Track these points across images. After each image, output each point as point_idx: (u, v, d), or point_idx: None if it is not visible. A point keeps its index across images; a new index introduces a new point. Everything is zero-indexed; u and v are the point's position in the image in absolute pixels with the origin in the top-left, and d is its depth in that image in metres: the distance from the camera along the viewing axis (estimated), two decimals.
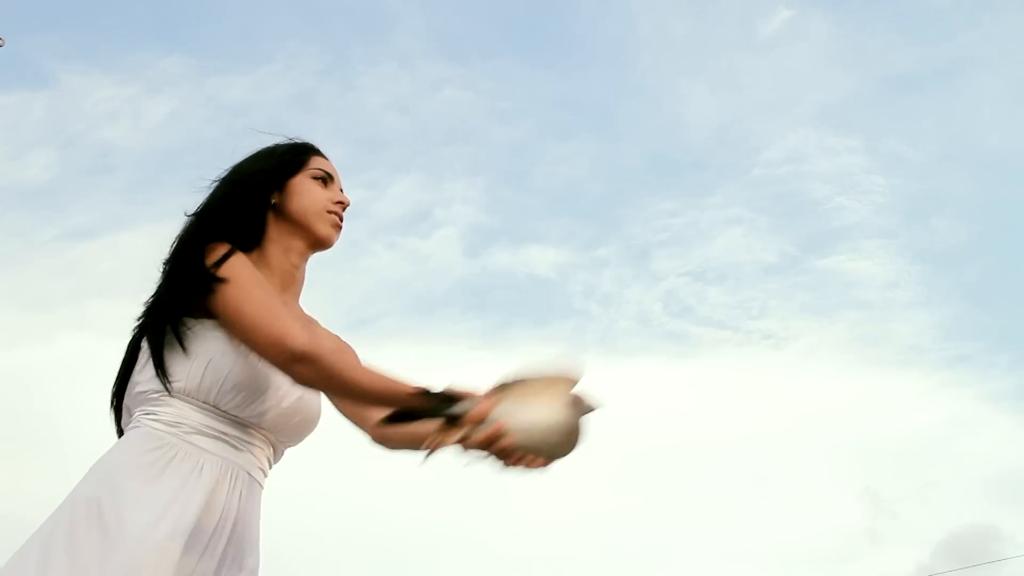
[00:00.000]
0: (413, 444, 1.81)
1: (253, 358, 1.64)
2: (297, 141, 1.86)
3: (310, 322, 1.84)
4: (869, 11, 13.94)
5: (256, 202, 1.76)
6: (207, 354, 1.61)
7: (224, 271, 1.62)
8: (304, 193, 1.79)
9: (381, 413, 1.69)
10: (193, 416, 1.60)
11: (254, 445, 1.66)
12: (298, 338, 1.56)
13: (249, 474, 1.65)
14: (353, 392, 1.61)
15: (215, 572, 1.55)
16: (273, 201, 1.78)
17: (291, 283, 1.82)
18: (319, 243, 1.81)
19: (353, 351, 1.78)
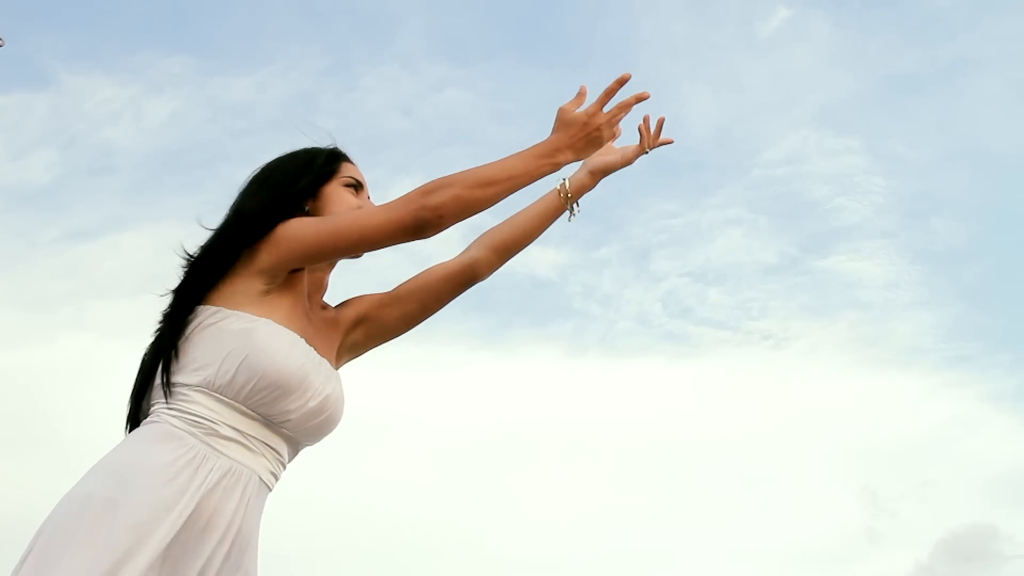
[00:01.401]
0: (534, 232, 1.92)
1: (292, 357, 1.64)
2: (330, 147, 1.87)
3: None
4: (869, 12, 13.95)
5: (291, 209, 1.76)
6: (243, 350, 1.61)
7: (293, 221, 1.69)
8: (337, 201, 1.80)
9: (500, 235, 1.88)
10: (217, 413, 1.61)
11: (270, 446, 1.66)
12: (386, 205, 1.64)
13: (260, 478, 1.65)
14: (506, 178, 1.65)
15: (199, 570, 1.54)
16: (307, 208, 1.79)
17: (317, 290, 1.83)
18: None
19: None
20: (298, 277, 1.75)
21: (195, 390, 1.61)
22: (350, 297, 1.93)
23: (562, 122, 1.71)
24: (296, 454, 1.75)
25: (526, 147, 1.69)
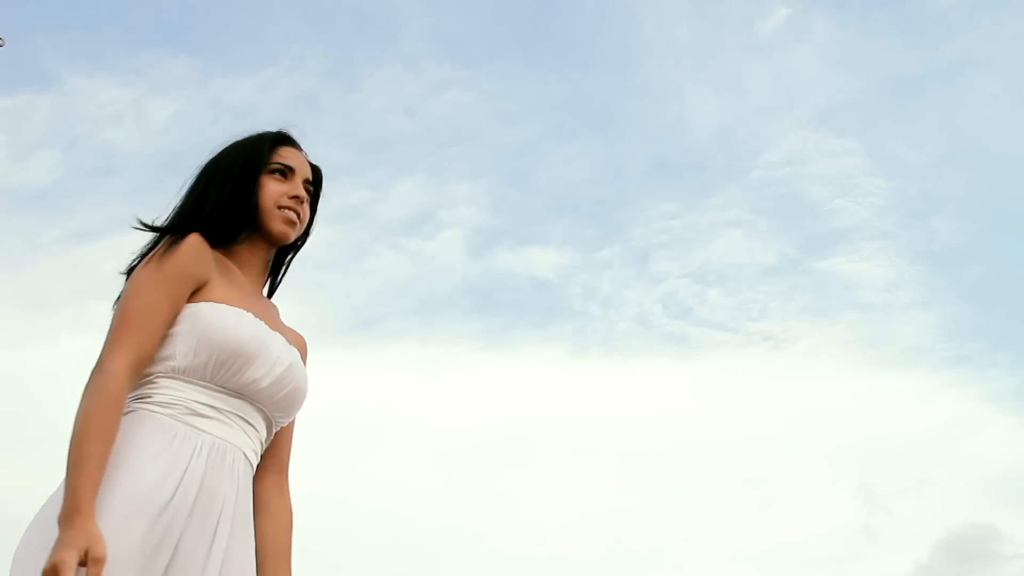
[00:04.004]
0: None
1: (243, 324, 1.66)
2: (264, 134, 1.86)
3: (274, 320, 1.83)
4: (869, 13, 13.94)
5: (222, 203, 1.78)
6: (195, 331, 1.63)
7: (136, 273, 1.67)
8: (263, 190, 1.80)
9: None
10: (189, 394, 1.62)
11: (247, 421, 1.67)
12: (115, 359, 1.57)
13: (244, 455, 1.66)
14: (74, 426, 1.53)
15: (207, 548, 1.55)
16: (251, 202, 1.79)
17: (259, 278, 1.84)
18: (274, 240, 1.82)
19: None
20: (242, 272, 1.78)
21: (161, 377, 1.63)
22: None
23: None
24: (270, 436, 1.76)
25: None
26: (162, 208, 1.81)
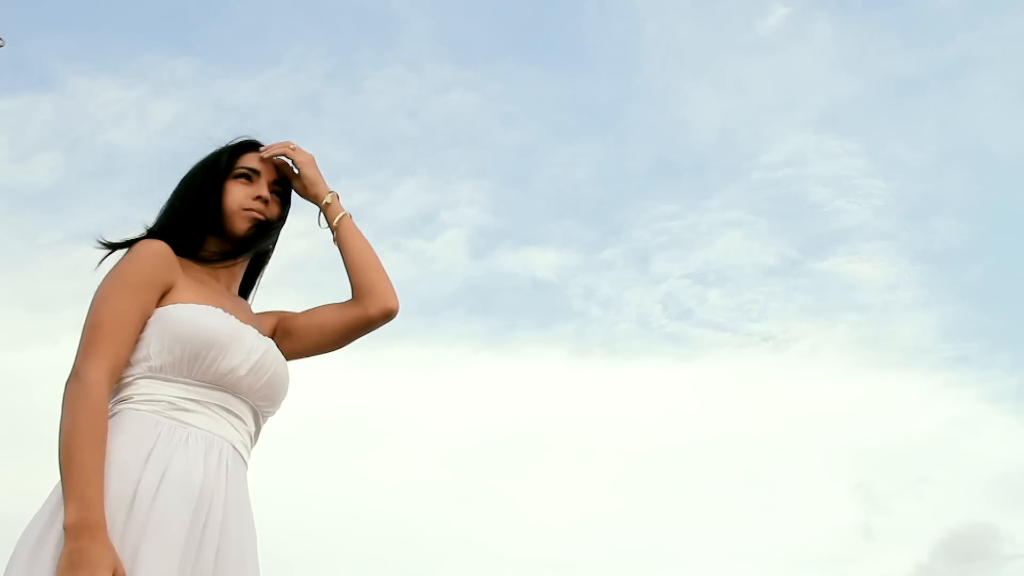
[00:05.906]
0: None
1: (211, 317, 1.68)
2: (231, 143, 1.90)
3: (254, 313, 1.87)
4: (870, 14, 13.95)
5: (186, 210, 1.82)
6: (166, 330, 1.65)
7: (102, 283, 1.69)
8: (228, 195, 1.83)
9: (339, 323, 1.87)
10: (169, 390, 1.64)
11: (232, 411, 1.69)
12: (93, 368, 1.58)
13: (233, 447, 1.68)
14: (63, 437, 1.53)
15: (199, 541, 1.56)
16: (218, 205, 1.82)
17: (233, 282, 1.87)
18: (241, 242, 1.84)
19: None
20: (214, 277, 1.81)
21: (140, 378, 1.65)
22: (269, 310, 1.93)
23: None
24: (259, 429, 1.77)
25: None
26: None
